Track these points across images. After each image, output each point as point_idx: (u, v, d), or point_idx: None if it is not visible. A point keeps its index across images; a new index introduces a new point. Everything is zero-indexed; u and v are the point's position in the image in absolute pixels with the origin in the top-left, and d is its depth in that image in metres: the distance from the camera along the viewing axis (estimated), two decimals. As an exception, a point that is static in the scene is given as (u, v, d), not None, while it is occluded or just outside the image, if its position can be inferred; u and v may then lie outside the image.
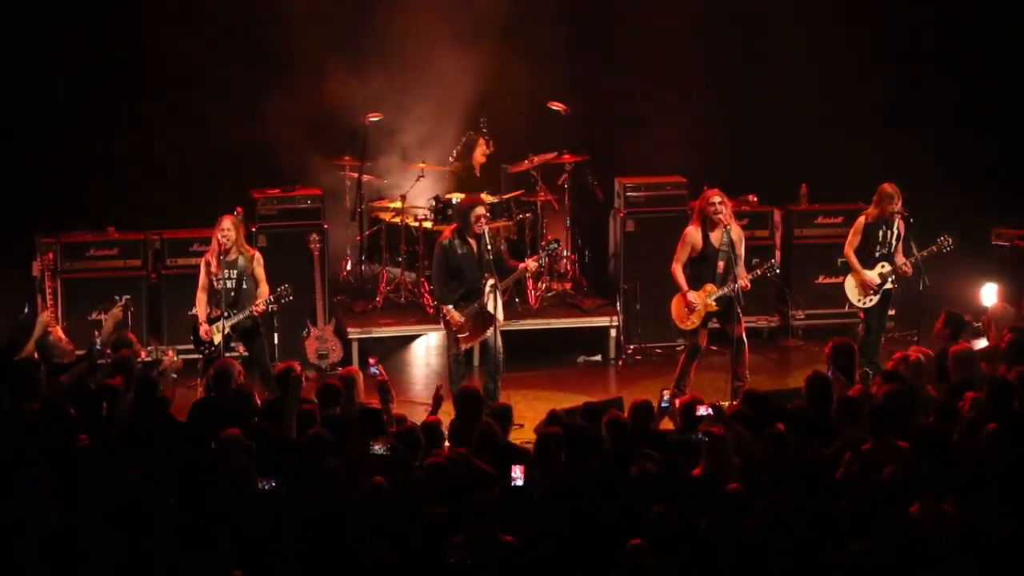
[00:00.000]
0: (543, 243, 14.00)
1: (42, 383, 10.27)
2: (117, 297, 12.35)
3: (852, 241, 12.59)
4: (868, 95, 15.47)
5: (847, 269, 12.70)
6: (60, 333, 11.55)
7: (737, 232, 12.19)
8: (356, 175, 14.60)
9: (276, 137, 14.73)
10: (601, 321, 14.21)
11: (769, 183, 15.08)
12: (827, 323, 14.28)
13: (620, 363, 14.00)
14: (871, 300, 12.56)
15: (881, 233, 12.53)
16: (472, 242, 11.94)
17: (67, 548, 7.43)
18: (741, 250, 12.19)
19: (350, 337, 13.75)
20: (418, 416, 10.43)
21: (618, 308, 14.24)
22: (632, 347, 14.15)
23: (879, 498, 7.85)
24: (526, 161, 14.46)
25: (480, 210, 11.98)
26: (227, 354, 11.84)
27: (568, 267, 14.83)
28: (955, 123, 15.13)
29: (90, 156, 14.49)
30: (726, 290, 12.03)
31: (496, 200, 14.14)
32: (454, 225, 12.21)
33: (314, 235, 13.71)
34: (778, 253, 14.57)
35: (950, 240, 12.47)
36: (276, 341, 13.23)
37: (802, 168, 15.15)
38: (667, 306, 12.37)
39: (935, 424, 8.96)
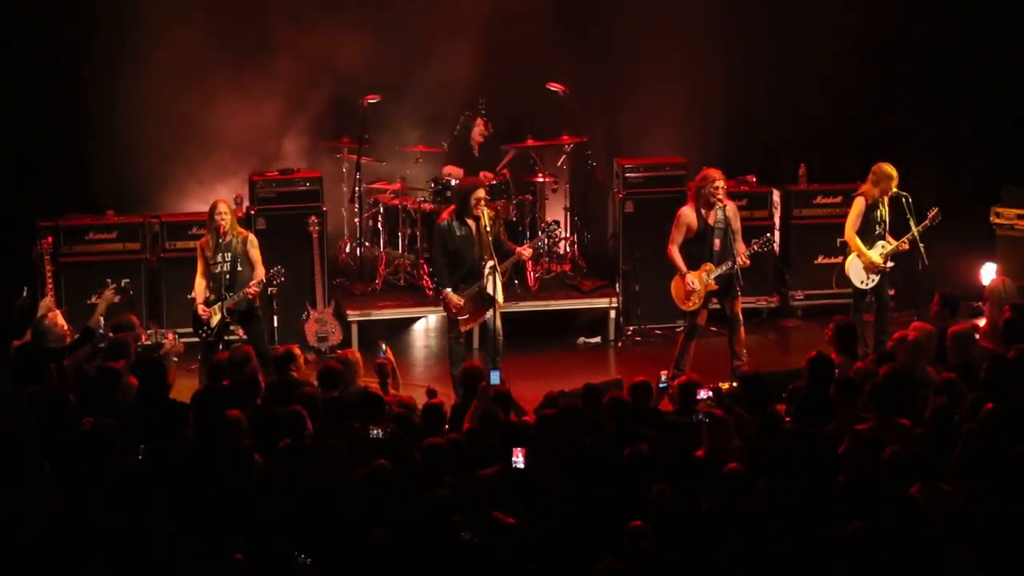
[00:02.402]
0: (542, 224, 14.00)
1: (42, 368, 10.27)
2: (109, 280, 12.34)
3: (854, 223, 12.54)
4: (867, 74, 15.44)
5: (846, 250, 12.68)
6: (59, 318, 11.55)
7: (732, 208, 12.17)
8: (355, 157, 14.58)
9: (274, 120, 14.73)
10: (600, 303, 14.22)
11: (768, 163, 15.08)
12: (826, 303, 14.28)
13: (620, 344, 14.01)
14: (873, 280, 12.56)
15: (879, 213, 12.52)
16: (471, 224, 11.93)
17: (68, 534, 7.45)
18: (737, 225, 12.17)
19: (349, 320, 13.76)
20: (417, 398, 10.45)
21: (617, 289, 14.25)
22: (632, 328, 14.16)
23: (879, 477, 7.86)
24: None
25: (480, 192, 11.95)
26: (227, 337, 11.89)
27: (567, 249, 14.83)
28: (955, 102, 15.11)
29: (89, 140, 14.46)
30: (724, 268, 12.03)
31: (496, 180, 14.16)
32: (452, 207, 12.20)
33: (313, 218, 13.71)
34: (777, 233, 14.59)
35: (939, 213, 12.45)
36: (276, 324, 13.23)
37: (801, 148, 15.14)
38: (667, 287, 12.36)
39: (935, 404, 8.96)
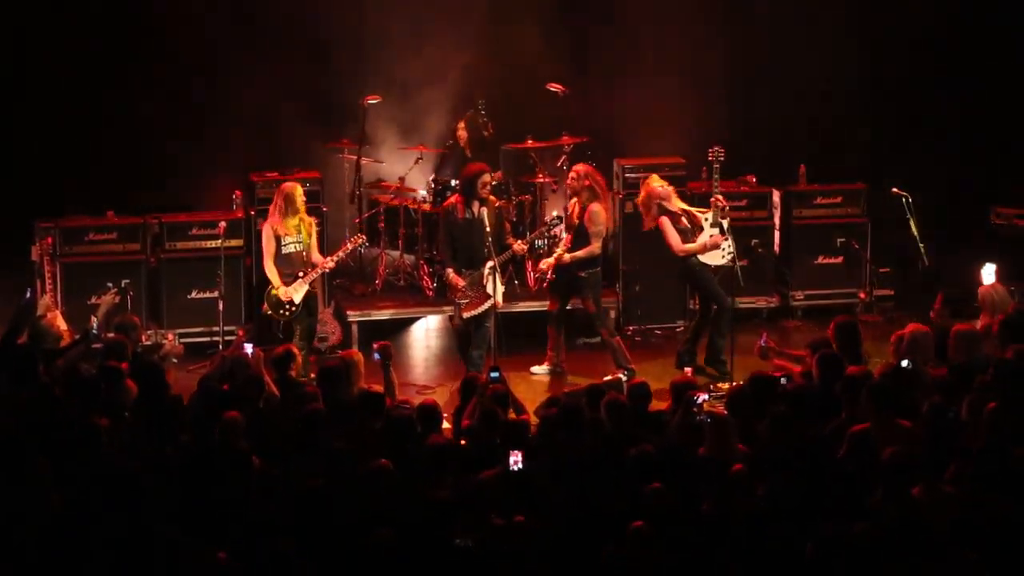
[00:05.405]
0: (547, 219, 13.97)
1: (40, 368, 10.25)
2: (110, 284, 12.34)
3: (676, 239, 12.63)
4: (866, 75, 15.45)
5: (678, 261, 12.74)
6: (58, 319, 11.53)
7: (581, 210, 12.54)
8: (355, 158, 14.57)
9: (275, 120, 14.73)
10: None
11: (768, 164, 15.08)
12: (827, 303, 14.29)
13: (620, 345, 13.99)
14: (729, 248, 12.59)
15: (683, 219, 12.67)
16: (475, 210, 12.00)
17: (68, 534, 7.44)
18: (586, 227, 12.47)
19: (349, 320, 13.74)
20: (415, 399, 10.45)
21: (617, 289, 14.24)
22: (632, 328, 14.15)
23: (881, 478, 7.85)
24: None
25: (486, 176, 12.13)
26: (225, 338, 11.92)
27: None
28: (954, 102, 15.12)
29: (89, 140, 14.47)
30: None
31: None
32: (458, 195, 12.28)
33: (314, 218, 13.69)
34: (777, 234, 14.60)
35: (720, 150, 12.61)
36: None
37: (801, 149, 15.15)
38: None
39: (931, 402, 8.93)
